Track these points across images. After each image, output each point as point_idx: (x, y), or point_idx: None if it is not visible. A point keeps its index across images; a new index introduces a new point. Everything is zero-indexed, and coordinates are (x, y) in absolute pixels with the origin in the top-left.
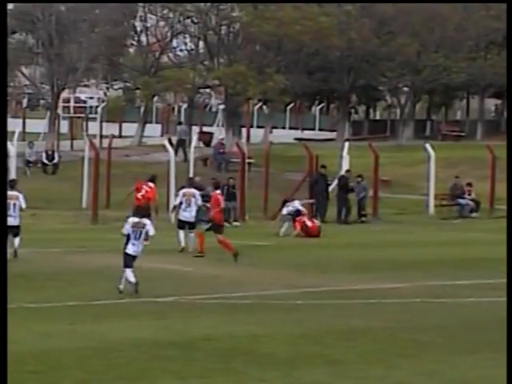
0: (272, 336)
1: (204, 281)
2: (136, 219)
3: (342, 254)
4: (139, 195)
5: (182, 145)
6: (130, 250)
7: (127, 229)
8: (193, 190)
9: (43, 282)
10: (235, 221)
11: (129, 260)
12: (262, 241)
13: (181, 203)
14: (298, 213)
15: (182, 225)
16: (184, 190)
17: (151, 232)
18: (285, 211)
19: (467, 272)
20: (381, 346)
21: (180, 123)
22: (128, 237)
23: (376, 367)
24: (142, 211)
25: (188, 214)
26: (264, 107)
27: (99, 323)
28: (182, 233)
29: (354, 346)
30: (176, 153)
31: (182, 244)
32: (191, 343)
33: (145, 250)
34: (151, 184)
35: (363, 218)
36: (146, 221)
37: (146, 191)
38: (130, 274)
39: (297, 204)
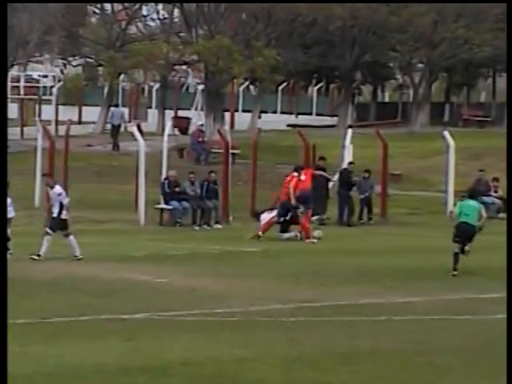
0: (261, 360)
1: (181, 294)
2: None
3: (344, 261)
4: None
5: (117, 132)
6: None
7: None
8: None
9: None
10: (217, 222)
11: None
12: (249, 246)
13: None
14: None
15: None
16: None
17: (10, 214)
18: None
19: (495, 283)
20: (390, 372)
21: (117, 105)
22: None
23: None
24: None
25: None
26: (251, 88)
27: (55, 344)
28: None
29: (358, 372)
30: (114, 144)
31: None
32: (166, 369)
33: (112, 258)
34: (295, 174)
35: (370, 221)
36: (7, 200)
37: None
38: None
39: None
